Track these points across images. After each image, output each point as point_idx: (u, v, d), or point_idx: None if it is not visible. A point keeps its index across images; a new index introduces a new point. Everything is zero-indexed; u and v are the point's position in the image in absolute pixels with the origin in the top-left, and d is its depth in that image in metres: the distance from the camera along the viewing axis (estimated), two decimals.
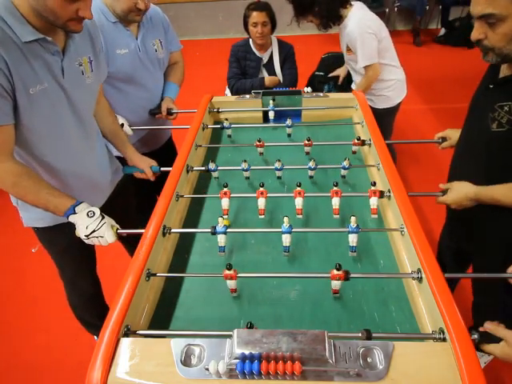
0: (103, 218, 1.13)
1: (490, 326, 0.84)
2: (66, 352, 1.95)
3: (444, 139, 1.53)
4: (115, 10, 1.57)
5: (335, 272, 0.95)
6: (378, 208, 1.34)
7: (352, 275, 1.09)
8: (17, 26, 0.98)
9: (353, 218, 1.09)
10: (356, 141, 1.51)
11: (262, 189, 1.25)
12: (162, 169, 1.50)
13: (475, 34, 1.02)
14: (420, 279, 0.97)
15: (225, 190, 1.26)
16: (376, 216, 1.24)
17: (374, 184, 1.25)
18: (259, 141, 1.53)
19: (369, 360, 0.78)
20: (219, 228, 1.11)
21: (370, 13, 2.24)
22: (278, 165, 1.40)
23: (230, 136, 1.73)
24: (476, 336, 0.82)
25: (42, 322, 2.12)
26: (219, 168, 1.45)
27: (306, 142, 1.52)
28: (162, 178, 1.45)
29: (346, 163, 1.39)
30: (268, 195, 1.25)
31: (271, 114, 1.80)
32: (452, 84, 4.26)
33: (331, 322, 0.99)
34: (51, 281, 2.29)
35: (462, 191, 1.22)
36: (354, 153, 1.58)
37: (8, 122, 1.03)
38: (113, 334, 0.83)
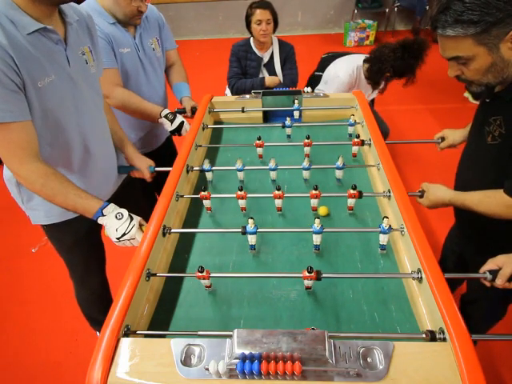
0: (132, 219, 1.13)
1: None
2: (65, 352, 1.95)
3: (443, 139, 1.54)
4: (115, 14, 1.59)
5: (306, 273, 0.97)
6: (378, 208, 1.34)
7: (352, 275, 1.10)
8: (17, 19, 0.98)
9: (385, 220, 1.09)
10: (356, 139, 1.50)
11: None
12: (160, 169, 1.49)
13: (451, 73, 1.10)
14: (420, 279, 0.97)
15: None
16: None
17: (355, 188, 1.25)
18: (259, 139, 1.53)
19: (369, 360, 0.78)
20: (249, 229, 1.12)
21: None
22: (272, 164, 1.39)
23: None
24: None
25: (42, 321, 2.12)
26: (213, 168, 1.46)
27: (306, 140, 1.52)
28: (162, 177, 1.45)
29: (339, 163, 1.39)
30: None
31: (296, 114, 1.80)
32: (452, 84, 4.26)
33: (331, 322, 0.99)
34: (51, 281, 2.30)
35: (437, 196, 1.26)
36: (355, 156, 1.57)
37: (26, 117, 1.03)
38: (113, 333, 0.83)
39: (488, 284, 0.99)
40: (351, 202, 1.27)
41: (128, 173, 1.55)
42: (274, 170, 1.41)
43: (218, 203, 1.40)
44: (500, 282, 0.96)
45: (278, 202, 1.29)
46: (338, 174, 1.43)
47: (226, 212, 1.37)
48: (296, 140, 1.67)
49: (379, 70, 2.21)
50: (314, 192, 1.24)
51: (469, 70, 1.05)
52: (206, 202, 1.32)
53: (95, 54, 1.28)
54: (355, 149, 1.56)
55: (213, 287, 1.09)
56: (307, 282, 1.02)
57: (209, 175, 1.48)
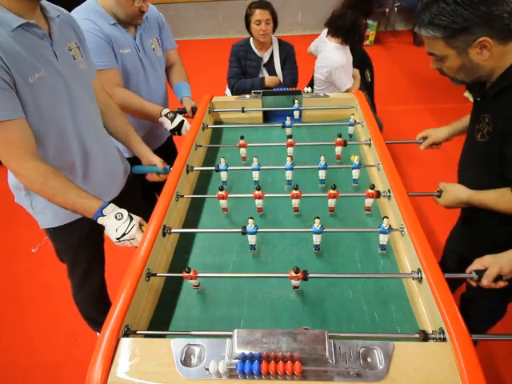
0: (132, 219, 1.12)
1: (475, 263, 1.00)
2: (65, 352, 1.95)
3: (425, 139, 1.55)
4: (117, 14, 1.59)
5: (293, 274, 0.98)
6: (378, 208, 1.34)
7: (352, 275, 1.10)
8: (0, 17, 0.98)
9: (385, 220, 1.10)
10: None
11: (257, 192, 1.25)
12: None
13: (432, 65, 1.18)
14: (420, 279, 0.97)
15: (219, 192, 1.27)
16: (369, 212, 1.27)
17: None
18: (242, 138, 1.52)
19: (369, 360, 0.78)
20: (249, 229, 1.12)
21: None
22: (288, 163, 1.38)
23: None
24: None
25: (42, 321, 2.12)
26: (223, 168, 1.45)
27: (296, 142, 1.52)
28: None
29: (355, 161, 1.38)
30: (266, 195, 1.27)
31: (296, 114, 1.80)
32: (452, 84, 4.27)
33: (331, 322, 0.99)
34: (51, 280, 2.30)
35: (455, 195, 1.26)
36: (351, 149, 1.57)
37: (20, 115, 1.02)
38: (113, 333, 0.83)
39: (474, 284, 1.00)
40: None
41: (145, 174, 1.53)
42: (290, 169, 1.40)
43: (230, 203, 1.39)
44: (486, 282, 0.96)
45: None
46: (355, 173, 1.41)
47: (236, 212, 1.37)
48: (296, 140, 1.66)
49: (344, 23, 2.24)
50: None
51: (445, 67, 1.12)
52: (223, 202, 1.32)
53: (83, 51, 1.28)
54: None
55: (213, 287, 1.09)
56: (295, 282, 1.03)
57: (224, 175, 1.45)
